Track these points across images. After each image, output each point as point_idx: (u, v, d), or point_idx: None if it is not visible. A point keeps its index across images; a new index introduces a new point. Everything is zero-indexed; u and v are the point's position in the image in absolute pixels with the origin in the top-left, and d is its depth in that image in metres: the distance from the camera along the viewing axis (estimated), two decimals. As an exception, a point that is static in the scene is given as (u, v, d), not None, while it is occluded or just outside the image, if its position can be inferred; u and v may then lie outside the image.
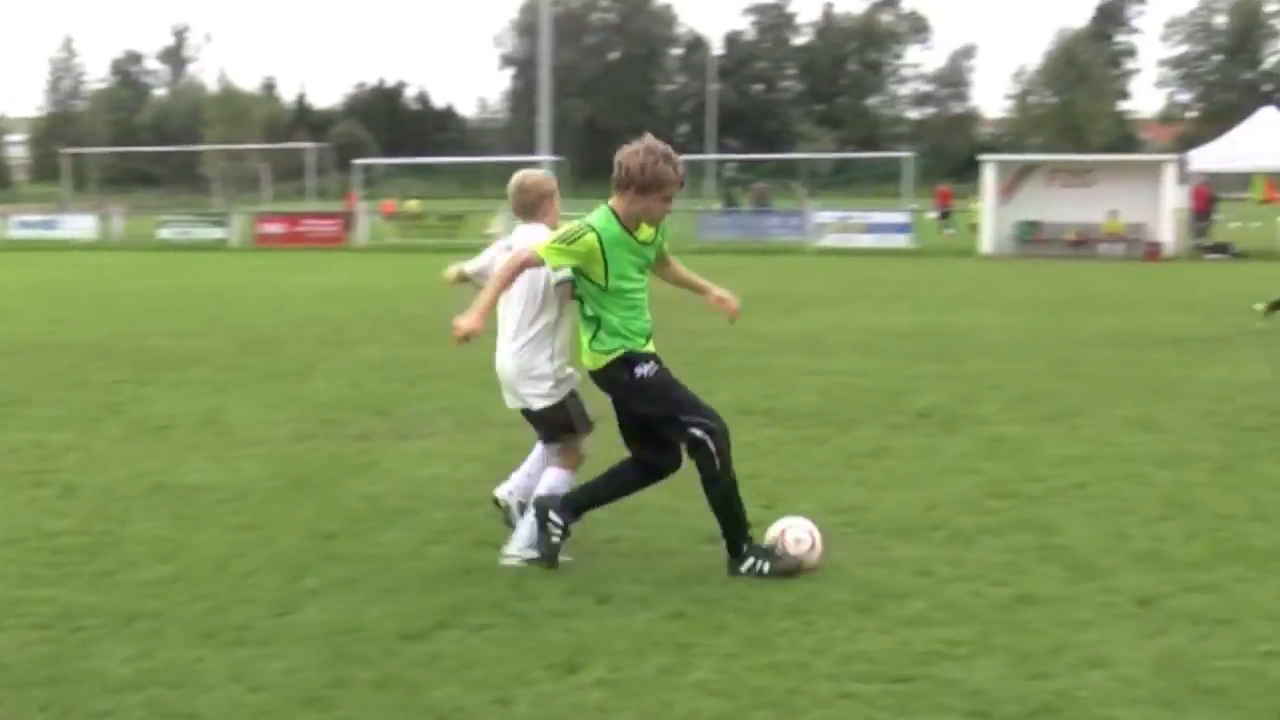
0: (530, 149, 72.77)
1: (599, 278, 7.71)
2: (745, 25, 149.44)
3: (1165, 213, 41.35)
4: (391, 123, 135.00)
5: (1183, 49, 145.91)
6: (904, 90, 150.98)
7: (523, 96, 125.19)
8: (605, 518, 9.04)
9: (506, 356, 8.29)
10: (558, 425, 8.36)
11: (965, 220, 56.82)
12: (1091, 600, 7.32)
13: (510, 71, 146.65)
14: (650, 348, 7.92)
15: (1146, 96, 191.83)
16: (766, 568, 7.76)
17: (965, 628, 6.85)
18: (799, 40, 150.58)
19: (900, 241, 43.58)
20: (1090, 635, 6.76)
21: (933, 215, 59.21)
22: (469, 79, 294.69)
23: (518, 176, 8.46)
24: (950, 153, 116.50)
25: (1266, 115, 46.85)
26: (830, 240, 43.98)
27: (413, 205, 59.07)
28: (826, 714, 5.84)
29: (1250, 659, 6.43)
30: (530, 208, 8.37)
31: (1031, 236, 41.72)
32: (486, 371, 8.74)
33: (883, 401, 13.90)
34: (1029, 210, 42.29)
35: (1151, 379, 15.41)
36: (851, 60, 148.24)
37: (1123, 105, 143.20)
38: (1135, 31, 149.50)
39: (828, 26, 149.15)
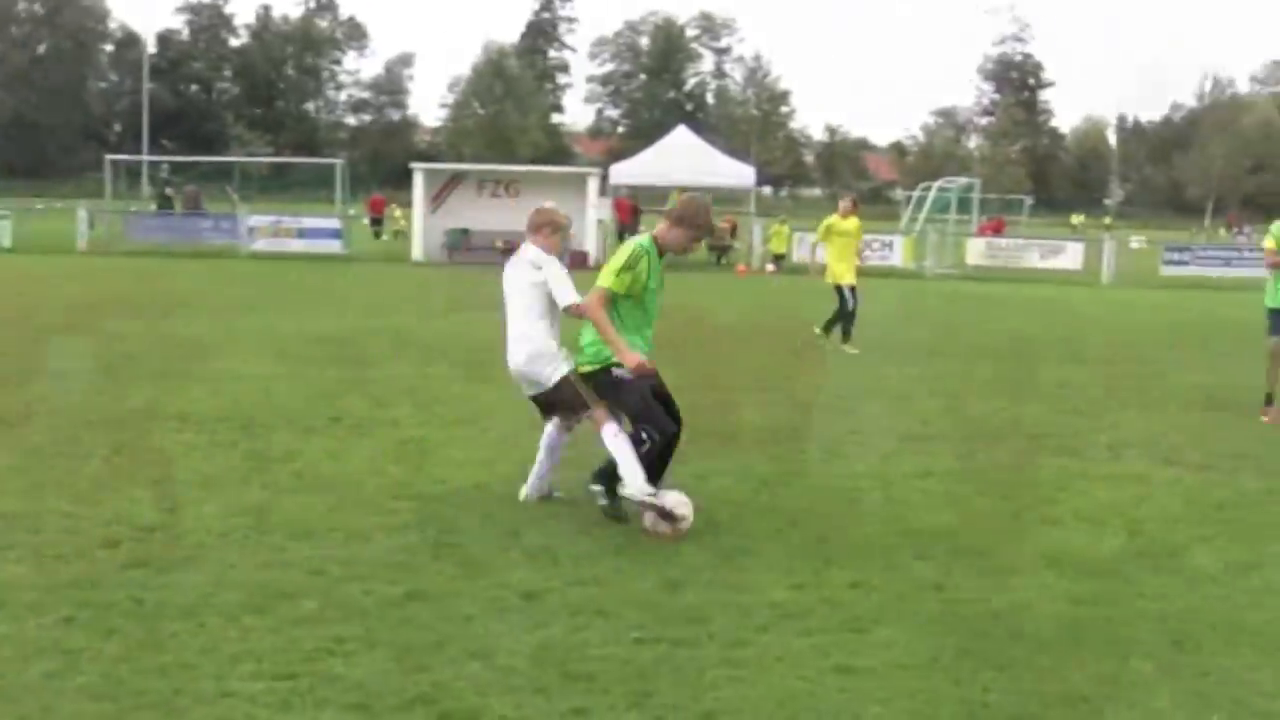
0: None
1: (637, 290, 9.44)
2: (179, 24, 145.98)
3: (590, 223, 42.76)
4: None
5: (610, 67, 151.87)
6: (342, 96, 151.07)
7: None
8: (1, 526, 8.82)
9: (516, 350, 9.65)
10: (572, 400, 9.59)
11: (390, 227, 57.60)
12: (480, 595, 7.62)
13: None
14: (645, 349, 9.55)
15: (579, 111, 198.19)
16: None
17: (354, 625, 7.03)
18: (235, 42, 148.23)
19: (333, 247, 43.49)
20: (475, 629, 7.05)
21: (367, 221, 59.65)
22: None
23: (543, 205, 10.20)
24: (388, 159, 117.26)
25: (680, 133, 49.24)
26: (263, 245, 43.46)
27: None
28: (209, 712, 5.92)
29: (621, 646, 6.86)
30: (534, 228, 9.89)
31: (462, 244, 42.34)
32: None
33: (298, 406, 13.90)
34: (459, 218, 42.89)
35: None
36: (289, 65, 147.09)
37: (556, 119, 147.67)
38: (567, 48, 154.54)
39: (264, 29, 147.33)
